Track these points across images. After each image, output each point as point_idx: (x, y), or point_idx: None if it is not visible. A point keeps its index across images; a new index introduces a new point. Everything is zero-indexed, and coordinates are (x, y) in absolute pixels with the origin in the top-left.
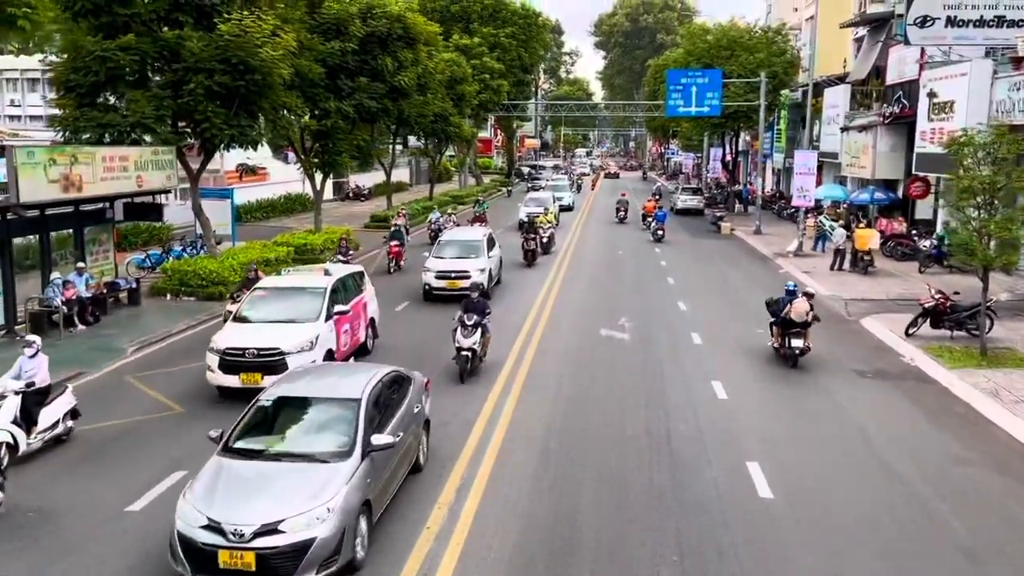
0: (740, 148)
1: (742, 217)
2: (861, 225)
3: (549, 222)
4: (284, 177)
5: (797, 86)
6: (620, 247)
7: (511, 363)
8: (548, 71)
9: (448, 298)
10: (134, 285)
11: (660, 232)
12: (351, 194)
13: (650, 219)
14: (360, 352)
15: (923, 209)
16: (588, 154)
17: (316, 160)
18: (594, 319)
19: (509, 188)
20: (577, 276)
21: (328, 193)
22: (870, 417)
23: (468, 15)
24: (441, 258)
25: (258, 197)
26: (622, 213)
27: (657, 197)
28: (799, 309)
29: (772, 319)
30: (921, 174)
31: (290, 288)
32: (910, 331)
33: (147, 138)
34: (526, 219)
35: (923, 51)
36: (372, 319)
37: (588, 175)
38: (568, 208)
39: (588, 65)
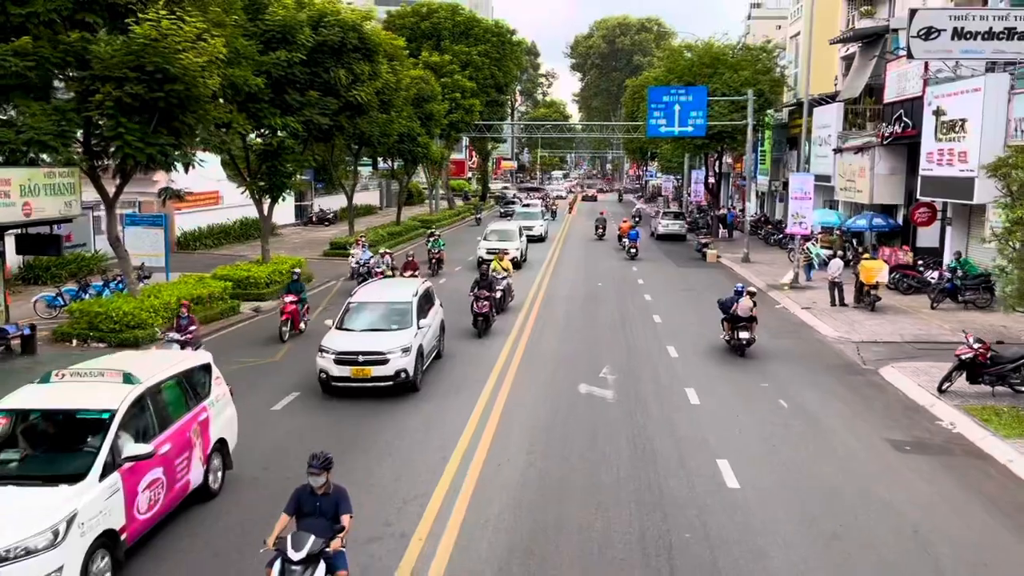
0: (722, 170)
1: (727, 243)
2: (865, 256)
3: (505, 269)
4: (240, 200)
5: (782, 106)
6: (599, 276)
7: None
8: (524, 93)
9: (359, 392)
10: (27, 331)
11: (633, 250)
12: (314, 218)
13: (625, 239)
14: (194, 498)
15: (926, 237)
16: (565, 176)
17: (262, 183)
18: (571, 372)
19: (478, 215)
20: (548, 326)
21: (290, 217)
22: (924, 516)
23: (439, 32)
24: (347, 330)
25: (210, 222)
26: (600, 230)
27: (637, 219)
28: (744, 306)
29: (723, 315)
30: (927, 199)
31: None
32: (944, 387)
33: (45, 157)
34: (485, 256)
35: (927, 66)
36: (220, 443)
37: (564, 198)
38: (540, 239)
39: (565, 87)
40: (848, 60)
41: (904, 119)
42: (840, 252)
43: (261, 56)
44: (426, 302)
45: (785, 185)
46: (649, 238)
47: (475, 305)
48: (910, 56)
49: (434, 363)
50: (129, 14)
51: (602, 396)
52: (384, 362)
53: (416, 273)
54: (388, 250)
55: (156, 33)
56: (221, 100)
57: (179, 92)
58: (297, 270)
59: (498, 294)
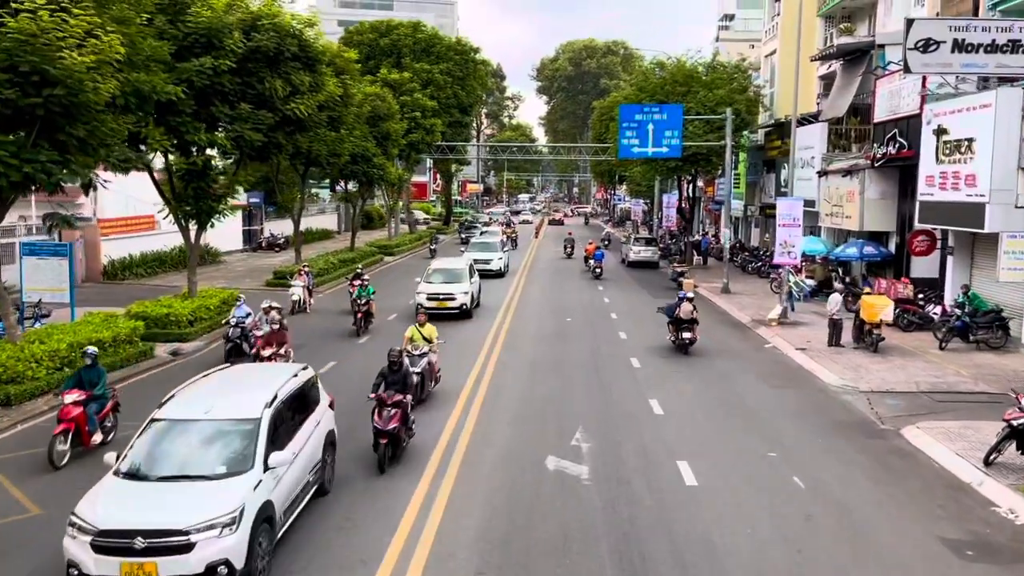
0: (695, 194)
1: (703, 271)
2: (867, 291)
3: (428, 339)
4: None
5: (758, 127)
6: (568, 310)
7: None
8: (490, 115)
9: None
10: None
11: (598, 270)
12: (264, 243)
13: (591, 260)
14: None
15: (922, 267)
16: (532, 199)
17: (188, 207)
18: (536, 439)
19: (434, 247)
20: (508, 378)
21: (237, 242)
22: None
23: (399, 50)
24: (137, 478)
25: (143, 249)
26: (569, 249)
27: (606, 243)
28: (686, 309)
29: (668, 319)
30: (926, 226)
31: None
32: (991, 458)
33: None
34: (425, 303)
35: (924, 81)
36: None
37: (531, 222)
38: (498, 275)
39: (531, 111)
40: (828, 79)
41: (898, 139)
42: (839, 285)
43: (181, 63)
44: (296, 411)
45: (762, 210)
46: (620, 265)
47: (376, 418)
48: (907, 70)
49: (316, 501)
50: (3, 4)
51: (576, 474)
52: (186, 548)
53: (281, 352)
54: (272, 307)
55: (35, 28)
56: (127, 110)
57: (60, 98)
58: (90, 349)
59: (411, 393)
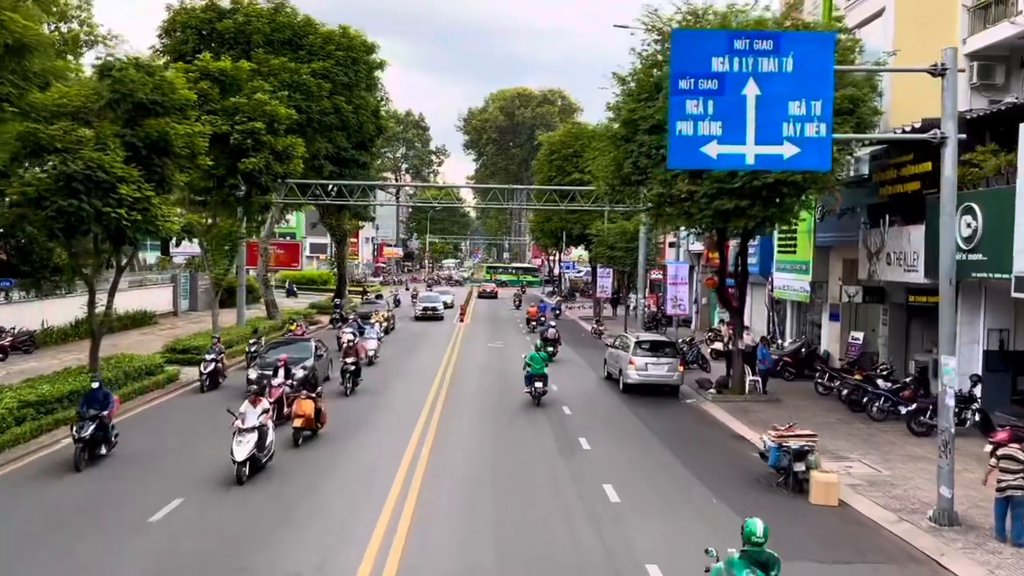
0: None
1: (765, 404)
2: None
3: None
4: None
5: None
6: None
7: None
8: (411, 169)
9: None
10: None
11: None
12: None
13: (533, 322)
14: None
15: None
16: (459, 265)
17: None
18: None
19: (254, 348)
20: None
21: None
22: None
23: (247, 36)
24: None
25: None
26: (518, 301)
27: (556, 312)
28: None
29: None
30: None
31: None
32: None
33: None
34: None
35: None
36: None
37: (450, 296)
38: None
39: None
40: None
41: None
42: None
43: None
44: None
45: (869, 293)
46: (603, 386)
47: None
48: None
49: None
50: None
51: None
52: None
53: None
54: None
55: None
56: None
57: None
58: None
59: None
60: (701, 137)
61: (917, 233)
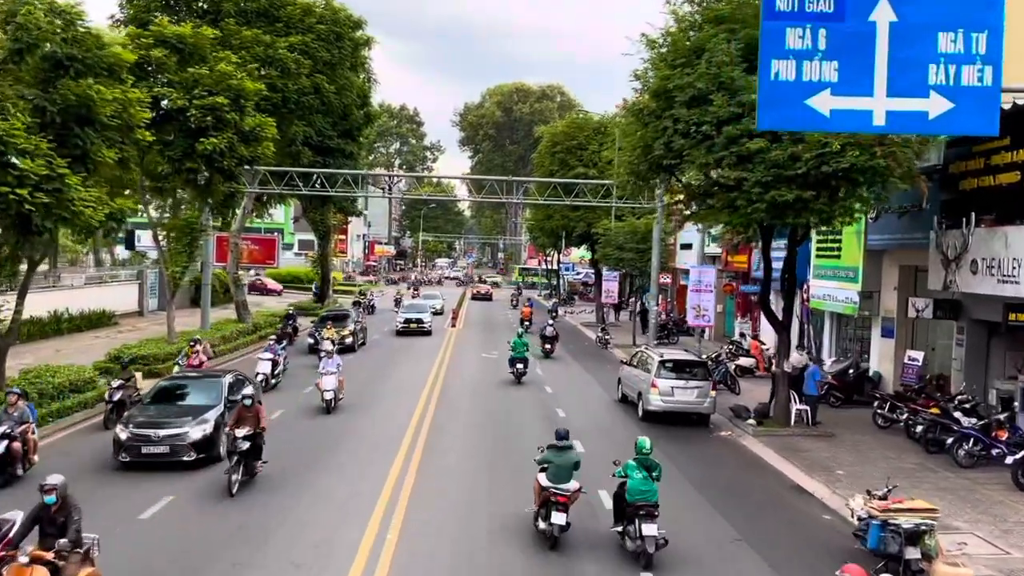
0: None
1: (821, 441)
2: None
3: None
4: None
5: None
6: None
7: None
8: (404, 165)
9: None
10: None
11: (548, 338)
12: None
13: (527, 322)
14: None
15: None
16: (453, 265)
17: None
18: None
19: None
20: None
21: None
22: None
23: (217, 3)
24: None
25: None
26: (515, 301)
27: (553, 315)
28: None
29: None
30: None
31: None
32: None
33: None
34: None
35: None
36: None
37: (439, 301)
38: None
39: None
40: None
41: None
42: None
43: None
44: None
45: (940, 307)
46: (616, 410)
47: None
48: None
49: None
50: None
51: None
52: None
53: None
54: None
55: None
56: None
57: None
58: None
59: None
60: (807, 84)
61: (1018, 235)
